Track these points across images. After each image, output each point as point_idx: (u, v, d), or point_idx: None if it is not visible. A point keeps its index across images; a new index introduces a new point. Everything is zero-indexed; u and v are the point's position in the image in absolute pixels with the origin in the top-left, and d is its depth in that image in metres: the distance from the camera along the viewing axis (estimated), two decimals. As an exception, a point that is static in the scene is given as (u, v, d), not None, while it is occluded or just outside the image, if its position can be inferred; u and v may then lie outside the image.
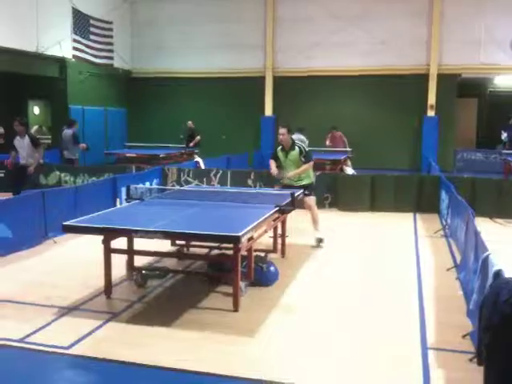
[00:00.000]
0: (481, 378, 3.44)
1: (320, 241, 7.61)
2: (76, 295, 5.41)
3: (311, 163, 7.70)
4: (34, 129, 17.41)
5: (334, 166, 13.64)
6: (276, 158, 7.86)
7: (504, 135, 17.51)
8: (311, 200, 7.69)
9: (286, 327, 4.73)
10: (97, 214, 5.65)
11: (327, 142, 15.59)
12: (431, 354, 4.19)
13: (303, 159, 7.59)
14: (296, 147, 7.63)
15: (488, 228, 8.14)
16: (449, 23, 17.23)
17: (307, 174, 7.74)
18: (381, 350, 4.26)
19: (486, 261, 4.22)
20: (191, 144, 16.58)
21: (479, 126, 21.11)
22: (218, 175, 11.29)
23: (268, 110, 19.13)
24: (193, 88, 19.50)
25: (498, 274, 3.76)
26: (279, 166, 7.84)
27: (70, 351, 4.18)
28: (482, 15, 16.92)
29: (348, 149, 15.15)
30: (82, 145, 12.91)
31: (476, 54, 17.09)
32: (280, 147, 7.82)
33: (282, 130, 7.64)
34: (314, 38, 18.25)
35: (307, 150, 7.76)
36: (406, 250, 7.50)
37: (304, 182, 7.68)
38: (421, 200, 10.22)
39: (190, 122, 16.90)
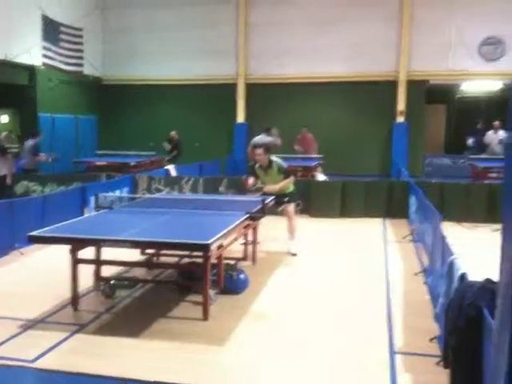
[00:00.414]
0: (447, 381, 3.48)
1: (294, 255, 7.56)
2: (42, 307, 5.30)
3: (292, 179, 7.73)
4: (2, 135, 17.01)
5: (306, 173, 13.70)
6: (255, 174, 7.85)
7: (470, 140, 17.85)
8: (290, 207, 7.71)
9: (257, 335, 4.72)
10: (64, 223, 5.55)
11: (296, 147, 15.55)
12: (399, 358, 4.23)
13: (283, 176, 7.62)
14: (274, 165, 7.64)
15: (455, 232, 8.26)
16: (418, 28, 17.41)
17: (286, 186, 7.73)
18: (349, 355, 4.28)
19: (451, 265, 4.28)
20: (167, 158, 16.06)
21: (447, 132, 21.48)
22: (190, 183, 11.23)
23: (240, 117, 19.15)
24: (165, 95, 19.39)
25: (462, 277, 3.81)
26: (257, 179, 7.91)
27: (34, 365, 4.09)
28: (451, 21, 17.16)
29: (319, 155, 15.19)
30: (41, 156, 12.67)
31: (444, 60, 17.38)
32: (258, 165, 7.79)
33: (259, 151, 7.62)
34: (287, 44, 18.32)
35: (285, 167, 7.77)
36: (376, 255, 7.56)
37: (286, 191, 7.70)
38: (390, 205, 10.33)
39: (173, 133, 16.43)
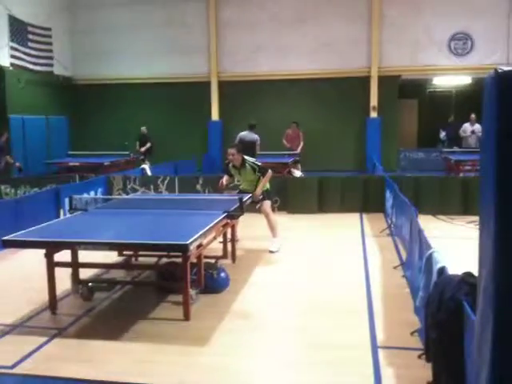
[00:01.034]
0: (430, 373, 3.51)
1: (272, 252, 7.56)
2: (19, 312, 5.20)
3: (270, 173, 7.70)
4: None
5: (282, 169, 13.71)
6: (229, 173, 7.90)
7: (442, 134, 18.12)
8: (265, 204, 7.69)
9: (239, 334, 4.70)
10: (38, 226, 5.45)
11: (285, 141, 15.48)
12: (381, 352, 4.26)
13: (260, 174, 7.61)
14: (247, 165, 7.63)
15: (431, 225, 8.39)
16: (388, 25, 17.62)
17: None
18: (331, 351, 4.29)
19: (429, 258, 4.32)
20: (142, 149, 16.30)
21: (420, 126, 21.76)
22: (166, 182, 11.14)
23: (215, 115, 19.07)
24: (138, 94, 19.19)
25: (441, 270, 3.85)
26: (231, 177, 7.97)
27: (13, 370, 4.01)
28: (420, 17, 17.40)
29: (296, 151, 15.22)
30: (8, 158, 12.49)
31: (415, 55, 17.60)
32: (231, 164, 7.80)
33: (232, 151, 7.61)
34: (258, 41, 18.33)
35: (259, 164, 7.76)
36: (354, 249, 7.61)
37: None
38: (367, 200, 10.42)
39: (143, 128, 16.69)
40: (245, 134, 13.45)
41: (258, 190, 7.59)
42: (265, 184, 7.66)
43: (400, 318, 4.96)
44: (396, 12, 17.59)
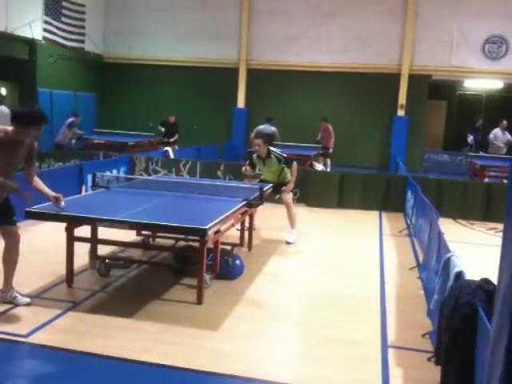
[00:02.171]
0: (439, 377, 3.50)
1: (288, 243, 7.55)
2: (36, 283, 5.30)
3: (295, 164, 7.73)
4: None
5: (304, 162, 13.67)
6: (252, 165, 7.88)
7: (470, 138, 17.85)
8: (287, 196, 7.69)
9: (251, 321, 4.73)
10: (61, 200, 5.52)
11: (318, 137, 15.32)
12: (391, 352, 4.25)
13: (285, 165, 7.64)
14: (272, 156, 7.64)
15: (451, 229, 8.30)
16: (422, 24, 17.41)
17: (284, 176, 7.75)
18: (341, 346, 4.30)
19: (447, 262, 4.29)
20: (171, 140, 16.03)
21: (447, 128, 21.47)
22: (188, 166, 11.20)
23: (241, 102, 19.06)
24: (166, 76, 19.26)
25: (458, 275, 3.82)
26: (253, 169, 7.94)
27: (28, 340, 4.09)
28: (456, 17, 17.15)
29: (326, 146, 15.07)
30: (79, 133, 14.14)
31: (448, 56, 17.36)
32: (256, 155, 7.81)
33: (258, 141, 7.63)
34: (290, 31, 18.23)
35: (284, 155, 7.79)
36: (371, 247, 7.58)
37: (283, 180, 7.70)
38: (387, 199, 10.34)
39: (171, 118, 16.27)
40: (263, 128, 13.47)
41: (290, 186, 7.65)
42: (295, 178, 7.69)
43: (412, 319, 4.94)
44: (431, 11, 17.33)
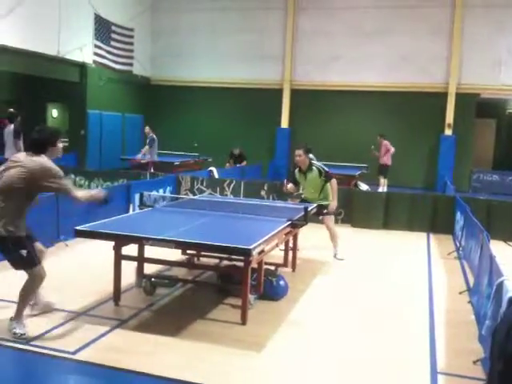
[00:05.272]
0: (491, 406, 3.35)
1: (338, 259, 7.65)
2: (84, 300, 5.40)
3: (335, 181, 7.63)
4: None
5: (348, 182, 13.56)
6: (294, 182, 7.78)
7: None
8: (328, 220, 7.65)
9: (294, 343, 4.67)
10: (109, 219, 5.64)
11: (377, 153, 15.24)
12: (441, 378, 4.11)
13: (324, 178, 7.54)
14: (314, 168, 7.58)
15: (502, 252, 8.01)
16: (469, 42, 17.14)
17: (326, 193, 7.66)
18: (389, 373, 4.18)
19: (500, 286, 4.14)
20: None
21: (496, 147, 20.91)
22: (232, 185, 11.27)
23: (284, 122, 19.14)
24: (210, 97, 19.56)
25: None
26: (296, 186, 7.85)
27: (75, 356, 4.16)
28: (503, 35, 16.83)
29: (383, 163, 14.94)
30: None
31: (496, 74, 16.98)
32: (297, 169, 7.73)
33: (299, 152, 7.57)
34: (334, 51, 18.27)
35: (326, 169, 7.72)
36: (419, 270, 7.40)
37: (323, 202, 7.61)
38: (435, 220, 10.10)
39: (236, 150, 16.37)
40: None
41: (334, 204, 7.58)
42: (336, 195, 7.61)
43: (463, 345, 4.77)
44: (478, 29, 17.04)
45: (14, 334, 4.38)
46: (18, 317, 4.47)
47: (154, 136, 15.01)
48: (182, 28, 19.76)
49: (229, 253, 5.39)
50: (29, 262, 4.38)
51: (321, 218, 7.70)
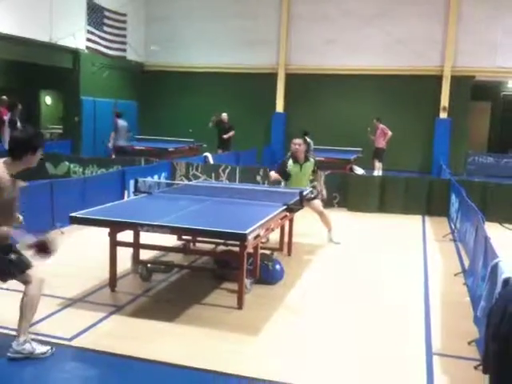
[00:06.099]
0: (486, 386, 3.39)
1: (335, 242, 7.70)
2: (80, 287, 5.40)
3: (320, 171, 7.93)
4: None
5: (344, 166, 13.56)
6: (284, 173, 7.53)
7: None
8: (318, 204, 7.63)
9: (291, 327, 4.69)
10: (104, 206, 5.63)
11: (372, 137, 15.19)
12: (436, 359, 4.14)
13: (315, 168, 7.64)
14: (311, 159, 7.60)
15: (497, 234, 8.03)
16: (465, 25, 17.03)
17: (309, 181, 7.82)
18: (385, 354, 4.22)
19: (495, 268, 4.16)
20: (225, 136, 15.81)
21: (491, 130, 20.90)
22: (227, 171, 11.25)
23: (279, 107, 19.06)
24: (205, 83, 19.43)
25: (507, 281, 3.70)
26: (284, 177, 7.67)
27: (72, 343, 4.17)
28: (499, 18, 16.71)
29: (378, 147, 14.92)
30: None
31: (492, 56, 16.89)
32: (291, 161, 7.51)
33: (298, 141, 7.48)
34: (329, 35, 18.14)
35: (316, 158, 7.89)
36: (414, 253, 7.43)
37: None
38: (430, 203, 10.12)
39: (224, 115, 15.99)
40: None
41: (324, 192, 7.82)
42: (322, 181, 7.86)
43: (458, 326, 4.80)
44: (474, 11, 16.93)
45: (31, 353, 3.84)
46: (24, 333, 3.89)
47: (118, 120, 14.45)
48: (176, 13, 19.55)
49: (224, 238, 5.41)
50: (19, 265, 3.82)
51: (310, 202, 7.69)
